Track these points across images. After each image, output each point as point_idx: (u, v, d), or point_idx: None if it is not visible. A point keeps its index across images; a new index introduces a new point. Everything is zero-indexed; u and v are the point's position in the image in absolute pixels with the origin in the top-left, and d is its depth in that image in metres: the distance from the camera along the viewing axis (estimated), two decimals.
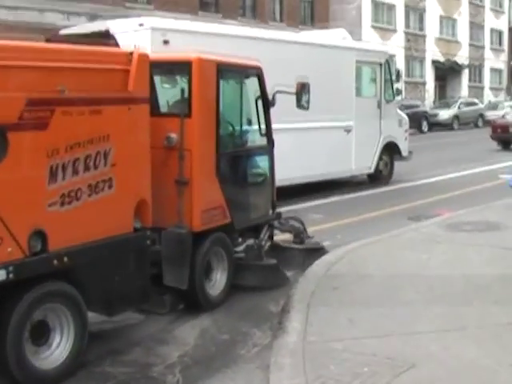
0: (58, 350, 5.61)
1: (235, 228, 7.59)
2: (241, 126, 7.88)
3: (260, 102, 8.08)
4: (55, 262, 5.45)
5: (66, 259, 5.51)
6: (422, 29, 50.77)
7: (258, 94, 8.03)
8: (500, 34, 60.66)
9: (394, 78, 16.97)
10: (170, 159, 6.86)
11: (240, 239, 7.98)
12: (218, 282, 7.42)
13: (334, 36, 16.14)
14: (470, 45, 55.41)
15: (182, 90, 6.97)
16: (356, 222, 11.85)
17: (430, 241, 9.38)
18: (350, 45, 16.19)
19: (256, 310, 7.23)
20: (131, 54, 6.15)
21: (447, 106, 42.46)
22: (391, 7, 47.50)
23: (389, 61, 16.85)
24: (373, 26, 45.23)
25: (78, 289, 5.67)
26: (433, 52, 51.05)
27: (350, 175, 16.05)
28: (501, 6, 60.59)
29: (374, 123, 16.09)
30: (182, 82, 7.19)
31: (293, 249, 8.66)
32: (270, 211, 8.44)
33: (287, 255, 8.49)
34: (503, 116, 31.24)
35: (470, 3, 55.33)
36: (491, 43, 59.13)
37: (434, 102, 49.08)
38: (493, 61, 58.43)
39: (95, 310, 6.06)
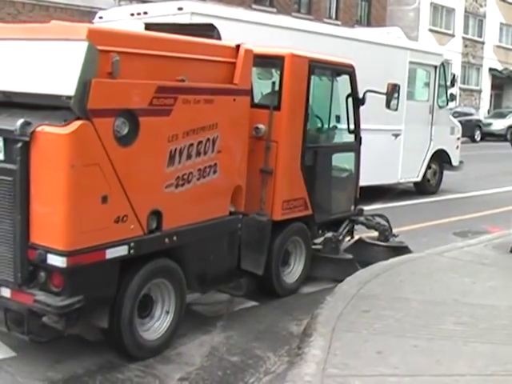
0: (158, 323, 6.02)
1: (315, 221, 7.95)
2: (329, 122, 8.26)
3: (350, 100, 8.42)
4: (166, 240, 5.86)
5: (175, 238, 5.92)
6: (480, 35, 49.89)
7: (349, 91, 8.37)
8: None
9: (448, 83, 16.08)
10: (257, 149, 7.23)
11: (319, 231, 8.33)
12: (294, 270, 7.84)
13: (388, 34, 15.46)
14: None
15: (274, 84, 7.35)
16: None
17: (477, 263, 8.45)
18: (404, 44, 15.42)
19: (275, 330, 6.58)
20: (237, 47, 6.51)
21: (502, 116, 41.23)
22: (450, 11, 46.81)
23: (444, 64, 16.02)
24: (430, 30, 44.69)
25: (181, 266, 6.06)
26: (490, 60, 50.14)
27: (396, 182, 15.06)
28: None
29: (424, 129, 15.27)
30: (273, 76, 7.56)
31: (378, 246, 8.92)
32: (352, 207, 8.81)
33: (372, 252, 8.78)
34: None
35: None
36: None
37: (489, 111, 47.94)
38: None
39: (190, 287, 6.45)
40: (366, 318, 6.17)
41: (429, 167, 15.73)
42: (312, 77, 7.61)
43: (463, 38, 48.14)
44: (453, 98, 17.37)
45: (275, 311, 7.10)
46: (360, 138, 8.70)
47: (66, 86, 4.99)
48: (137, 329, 5.76)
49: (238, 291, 7.40)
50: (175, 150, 5.83)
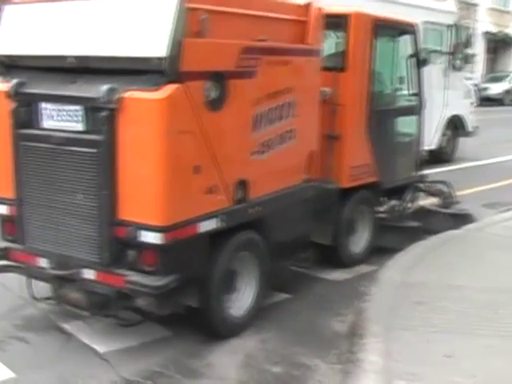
0: (242, 298, 5.68)
1: (381, 187, 7.62)
2: (393, 84, 7.89)
3: (413, 61, 8.04)
4: (251, 210, 5.50)
5: (259, 208, 5.56)
6: None
7: (411, 52, 7.99)
8: None
9: (463, 42, 15.01)
10: (322, 113, 6.85)
11: (383, 199, 7.98)
12: (359, 239, 7.49)
13: None
14: None
15: (339, 44, 6.95)
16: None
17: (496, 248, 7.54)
18: (416, 2, 14.13)
19: (316, 330, 5.68)
20: (308, 5, 6.11)
21: (498, 79, 40.29)
22: None
23: (457, 24, 15.14)
24: None
25: (263, 237, 5.71)
26: (484, 23, 48.66)
27: None
28: None
29: (438, 93, 14.04)
30: (338, 36, 7.16)
31: (439, 213, 8.60)
32: (415, 172, 8.45)
33: (433, 219, 8.46)
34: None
35: None
36: None
37: (483, 75, 46.32)
38: None
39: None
40: (421, 312, 5.40)
41: (443, 134, 14.78)
42: (376, 36, 7.20)
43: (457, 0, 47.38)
44: (469, 59, 16.13)
45: (312, 305, 6.25)
46: (423, 101, 8.30)
47: (156, 47, 4.58)
48: (224, 305, 5.42)
49: (305, 263, 7.07)
50: (259, 114, 5.47)
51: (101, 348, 5.19)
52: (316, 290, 6.66)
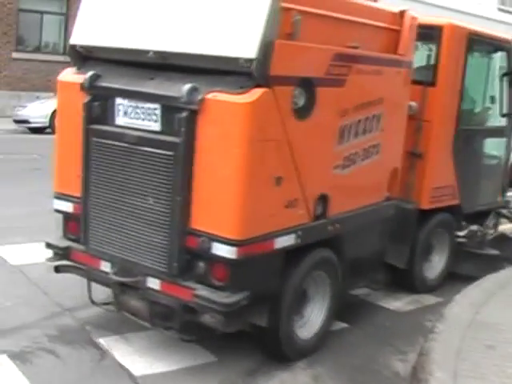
0: (312, 319, 5.35)
1: (462, 211, 7.14)
2: (483, 103, 7.42)
3: (505, 80, 7.55)
4: (330, 227, 5.15)
5: (338, 226, 5.20)
6: None
7: (505, 70, 7.51)
8: None
9: None
10: (406, 129, 6.42)
11: (464, 223, 7.51)
12: (436, 265, 7.06)
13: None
14: None
15: (429, 57, 6.53)
16: None
17: None
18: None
19: (375, 368, 5.20)
20: (403, 13, 5.71)
21: None
22: None
23: None
24: None
25: (338, 256, 5.34)
26: None
27: None
28: None
29: None
30: (429, 48, 6.72)
31: None
32: (499, 198, 7.96)
33: (506, 245, 7.94)
34: None
35: None
36: None
37: None
38: None
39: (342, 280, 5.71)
40: (493, 359, 4.78)
41: None
42: (470, 51, 6.75)
43: None
44: None
45: (371, 338, 5.72)
46: None
47: (244, 47, 4.25)
48: (293, 326, 5.06)
49: (376, 285, 6.65)
50: (345, 126, 5.11)
51: (136, 370, 4.77)
52: (376, 321, 6.12)
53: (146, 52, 4.63)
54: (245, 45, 4.23)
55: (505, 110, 7.57)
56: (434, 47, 6.58)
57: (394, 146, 5.89)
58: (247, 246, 4.34)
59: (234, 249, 4.29)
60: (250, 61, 4.20)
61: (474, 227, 7.53)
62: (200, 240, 4.41)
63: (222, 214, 4.34)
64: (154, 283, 4.65)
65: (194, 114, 4.33)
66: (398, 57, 5.67)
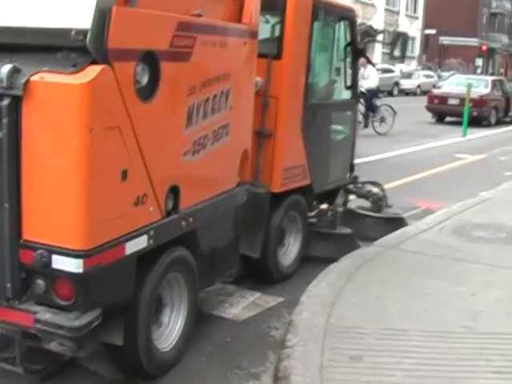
0: (169, 328, 4.72)
1: (313, 191, 6.73)
2: (329, 75, 7.01)
3: (349, 50, 7.19)
4: (183, 223, 4.52)
5: (191, 220, 4.59)
6: None
7: (348, 40, 7.15)
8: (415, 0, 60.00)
9: None
10: None
11: (314, 203, 7.12)
12: (289, 250, 6.62)
13: None
14: (386, 10, 54.12)
15: (273, 27, 6.02)
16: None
17: (451, 259, 6.61)
18: None
19: None
20: None
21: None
22: None
23: None
24: None
25: (193, 254, 4.75)
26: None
27: None
28: None
29: None
30: (273, 18, 6.19)
31: (370, 217, 7.79)
32: (348, 174, 7.61)
33: (362, 224, 7.65)
34: (439, 86, 30.22)
35: None
36: (406, 9, 58.31)
37: None
38: (406, 28, 57.17)
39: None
40: (361, 373, 4.21)
41: None
42: (315, 20, 6.32)
43: None
44: None
45: (213, 362, 4.77)
46: (357, 95, 7.51)
47: (75, 16, 3.50)
48: (152, 340, 4.41)
49: (228, 277, 6.13)
50: (193, 106, 4.48)
51: None
52: (215, 337, 5.14)
53: None
54: (76, 13, 3.49)
55: (348, 83, 7.26)
56: (278, 17, 6.05)
57: (244, 125, 5.35)
58: (95, 255, 3.64)
59: (79, 261, 3.57)
60: (83, 32, 3.46)
61: (324, 206, 7.20)
62: (36, 254, 3.62)
63: (60, 220, 3.59)
64: None
65: (16, 100, 3.53)
66: (244, 26, 5.11)
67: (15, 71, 3.49)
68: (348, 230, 7.20)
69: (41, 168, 3.56)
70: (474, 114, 22.09)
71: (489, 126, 23.82)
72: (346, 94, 7.38)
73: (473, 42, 67.69)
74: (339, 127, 7.31)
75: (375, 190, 7.97)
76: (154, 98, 3.97)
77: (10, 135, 3.55)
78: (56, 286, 3.71)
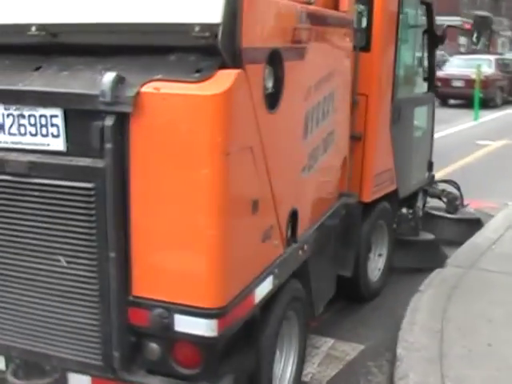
0: (285, 369, 3.91)
1: (399, 196, 5.95)
2: (412, 67, 6.20)
3: (426, 38, 6.37)
4: (300, 252, 3.73)
5: (306, 247, 3.81)
6: None
7: (426, 27, 6.34)
8: None
9: None
10: None
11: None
12: (377, 262, 5.85)
13: None
14: None
15: (360, 15, 5.18)
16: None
17: None
18: None
19: None
20: None
21: None
22: None
23: None
24: None
25: (305, 287, 3.97)
26: None
27: None
28: None
29: None
30: (357, 6, 5.35)
31: (444, 218, 7.07)
32: (427, 174, 6.81)
33: (439, 226, 6.91)
34: (441, 68, 29.38)
35: None
36: None
37: None
38: None
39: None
40: None
41: None
42: (401, 7, 5.49)
43: None
44: None
45: None
46: (436, 87, 6.70)
47: (200, 7, 2.68)
48: None
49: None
50: (309, 112, 3.69)
51: None
52: None
53: (27, 27, 2.90)
54: (201, 4, 2.67)
55: (426, 74, 6.47)
56: (363, 4, 5.21)
57: (344, 129, 4.58)
58: (229, 313, 2.83)
59: (212, 322, 2.77)
60: (210, 28, 2.64)
61: (404, 211, 6.42)
62: (153, 313, 2.82)
63: (185, 270, 2.79)
64: (81, 382, 2.99)
65: (123, 119, 2.71)
66: (343, 14, 4.30)
67: (119, 80, 2.67)
68: (431, 236, 6.43)
69: (156, 206, 2.76)
70: (480, 95, 21.29)
71: (495, 107, 23.03)
72: (425, 87, 6.56)
73: (456, 20, 67.07)
74: (420, 123, 6.49)
75: (451, 189, 7.19)
76: (279, 106, 3.17)
77: (115, 165, 2.75)
78: (176, 352, 2.94)
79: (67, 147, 2.86)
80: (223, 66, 2.69)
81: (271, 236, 3.25)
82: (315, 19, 3.65)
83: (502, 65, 24.82)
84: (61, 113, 2.83)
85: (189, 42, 2.70)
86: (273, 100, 3.11)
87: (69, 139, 2.85)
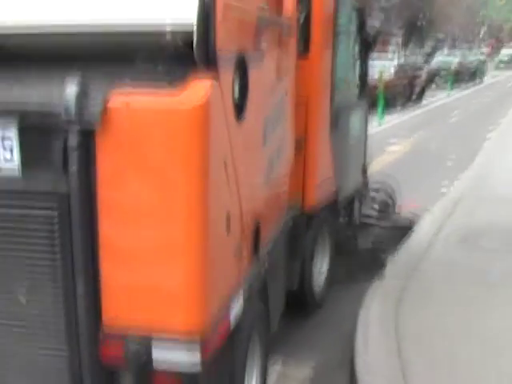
0: None
1: (339, 204, 5.80)
2: (346, 71, 6.06)
3: (359, 44, 6.26)
4: (262, 267, 3.57)
5: (266, 264, 3.64)
6: None
7: (359, 33, 6.23)
8: None
9: None
10: None
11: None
12: (320, 273, 5.67)
13: None
14: None
15: (299, 20, 5.01)
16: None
17: (482, 284, 5.52)
18: None
19: None
20: None
21: None
22: None
23: None
24: None
25: (264, 304, 3.81)
26: None
27: None
28: None
29: None
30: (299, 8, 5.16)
31: (378, 227, 6.91)
32: (361, 177, 6.69)
33: (368, 233, 6.74)
34: None
35: None
36: None
37: None
38: None
39: None
40: None
41: None
42: (337, 8, 5.36)
43: None
44: None
45: None
46: (369, 91, 6.61)
47: (173, 7, 2.48)
48: None
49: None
50: (266, 119, 3.51)
51: None
52: None
53: None
54: (174, 4, 2.46)
55: (359, 79, 6.40)
56: (304, 7, 5.03)
57: (290, 135, 4.41)
58: (211, 340, 2.62)
59: (194, 353, 2.55)
60: (181, 33, 2.44)
61: (341, 219, 6.27)
62: (126, 346, 2.58)
63: (161, 297, 2.56)
64: None
65: (88, 138, 2.45)
66: (287, 20, 4.15)
67: (83, 92, 2.41)
68: (369, 245, 6.33)
69: (127, 231, 2.52)
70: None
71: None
72: (359, 92, 6.48)
73: None
74: (355, 128, 6.39)
75: (383, 195, 7.11)
76: (245, 115, 2.98)
77: (80, 188, 2.48)
78: None
79: (23, 170, 2.56)
80: (195, 72, 2.47)
81: (241, 252, 3.07)
82: (270, 24, 3.49)
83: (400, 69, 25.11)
84: (15, 127, 2.53)
85: (159, 47, 2.47)
86: (240, 109, 2.92)
87: (25, 161, 2.55)
